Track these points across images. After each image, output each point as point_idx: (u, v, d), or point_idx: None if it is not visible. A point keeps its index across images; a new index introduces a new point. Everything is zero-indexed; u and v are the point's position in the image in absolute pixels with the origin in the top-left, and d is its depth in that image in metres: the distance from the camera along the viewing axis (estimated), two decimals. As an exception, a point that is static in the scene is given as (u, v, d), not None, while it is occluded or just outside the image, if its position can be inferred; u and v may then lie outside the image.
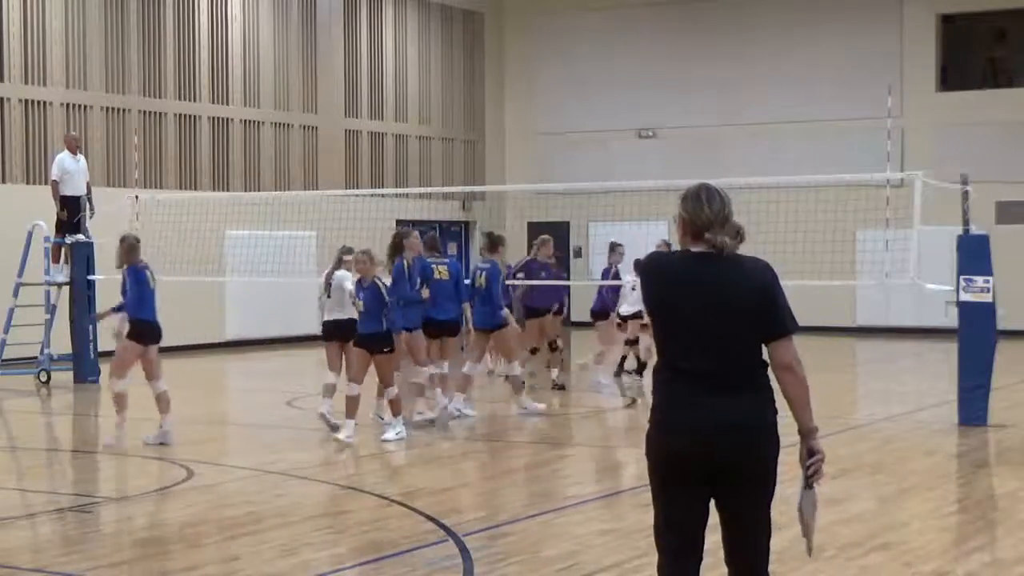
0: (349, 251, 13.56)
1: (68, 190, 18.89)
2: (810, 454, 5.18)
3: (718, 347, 4.99)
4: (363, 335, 12.80)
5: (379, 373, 12.91)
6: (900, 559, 7.90)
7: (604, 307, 18.30)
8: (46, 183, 20.67)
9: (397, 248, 14.16)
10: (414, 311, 13.99)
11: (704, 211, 5.07)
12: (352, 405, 12.67)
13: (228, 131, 25.50)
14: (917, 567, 7.71)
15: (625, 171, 28.26)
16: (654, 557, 7.88)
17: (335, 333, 13.50)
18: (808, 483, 5.20)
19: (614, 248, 18.24)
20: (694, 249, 5.07)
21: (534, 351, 17.69)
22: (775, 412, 5.08)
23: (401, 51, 29.58)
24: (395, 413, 13.03)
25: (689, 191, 5.19)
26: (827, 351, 23.15)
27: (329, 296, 13.62)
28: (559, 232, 29.58)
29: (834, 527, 8.78)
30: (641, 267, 5.26)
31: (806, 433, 5.16)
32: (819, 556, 7.95)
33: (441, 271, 14.36)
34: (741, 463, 5.07)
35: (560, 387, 17.25)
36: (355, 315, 12.99)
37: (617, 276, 17.71)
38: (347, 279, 13.23)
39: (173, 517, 9.31)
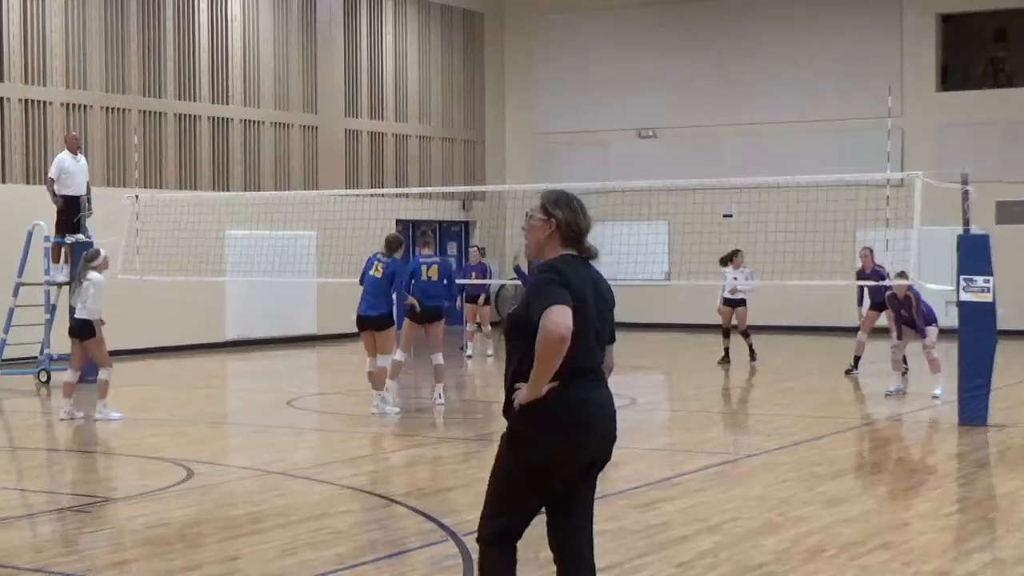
0: (94, 256, 14.63)
1: (68, 190, 18.86)
2: None
3: (600, 346, 5.37)
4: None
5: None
6: (900, 559, 7.90)
7: None
8: (46, 183, 20.67)
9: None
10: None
11: (581, 219, 5.36)
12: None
13: (228, 131, 25.50)
14: (917, 567, 7.70)
15: (625, 171, 28.26)
16: (654, 557, 7.93)
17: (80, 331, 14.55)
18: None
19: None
20: (566, 253, 5.32)
21: None
22: None
23: (401, 51, 29.58)
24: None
25: (558, 197, 5.40)
26: (827, 351, 23.15)
27: (79, 294, 14.60)
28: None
29: (834, 527, 8.78)
30: (558, 271, 5.25)
31: None
32: (819, 556, 7.95)
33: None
34: (611, 451, 5.49)
35: None
36: (87, 316, 14.35)
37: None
38: (101, 281, 14.44)
39: (173, 517, 9.31)
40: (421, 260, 15.23)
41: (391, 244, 15.14)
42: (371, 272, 14.95)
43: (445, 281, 15.26)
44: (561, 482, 5.34)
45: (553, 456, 5.26)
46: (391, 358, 14.99)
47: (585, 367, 5.27)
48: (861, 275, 18.86)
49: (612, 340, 5.49)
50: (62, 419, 14.43)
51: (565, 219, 5.33)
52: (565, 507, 5.42)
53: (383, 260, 14.95)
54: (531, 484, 5.33)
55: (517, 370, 5.28)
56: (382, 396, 14.87)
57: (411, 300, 15.00)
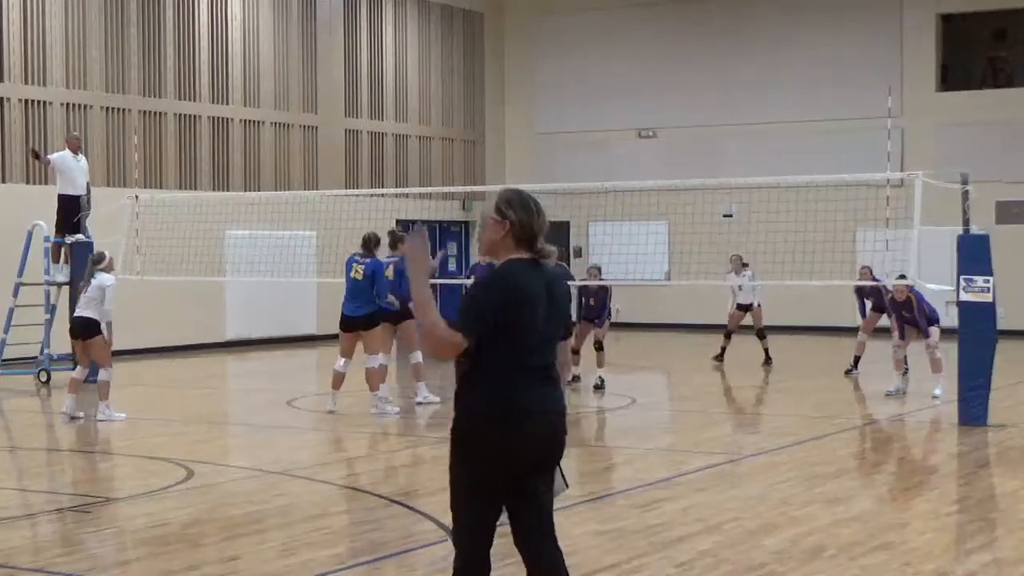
0: (100, 259, 14.63)
1: (68, 189, 18.87)
2: None
3: (550, 345, 5.44)
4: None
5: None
6: (900, 559, 7.90)
7: None
8: (46, 183, 20.68)
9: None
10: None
11: (535, 220, 5.40)
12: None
13: (228, 131, 25.50)
14: (917, 567, 7.70)
15: (625, 171, 28.24)
16: (654, 557, 7.92)
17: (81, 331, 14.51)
18: None
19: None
20: (523, 255, 5.38)
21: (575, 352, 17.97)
22: None
23: (401, 51, 29.57)
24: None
25: (512, 198, 5.45)
26: (827, 351, 23.15)
27: (85, 293, 14.50)
28: (559, 232, 29.62)
29: (834, 527, 8.78)
30: (499, 275, 5.37)
31: None
32: (819, 556, 7.95)
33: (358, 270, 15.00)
34: (563, 446, 5.50)
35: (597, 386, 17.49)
36: (93, 314, 14.32)
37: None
38: (113, 282, 14.46)
39: (173, 517, 9.31)
40: (385, 261, 15.22)
41: (367, 243, 15.10)
42: (351, 275, 14.94)
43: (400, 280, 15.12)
44: (505, 480, 5.33)
45: (493, 455, 5.29)
46: (378, 359, 15.00)
47: (528, 366, 5.33)
48: (861, 290, 18.90)
49: (566, 336, 5.57)
50: (63, 412, 14.45)
51: (519, 220, 5.37)
52: (522, 508, 5.42)
53: (361, 261, 14.93)
54: (476, 484, 5.34)
55: (466, 371, 5.34)
56: (380, 396, 14.89)
57: (392, 299, 15.02)
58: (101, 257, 14.77)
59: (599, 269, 18.28)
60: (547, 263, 5.46)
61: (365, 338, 14.89)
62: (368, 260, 14.91)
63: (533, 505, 5.43)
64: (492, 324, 5.23)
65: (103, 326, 14.35)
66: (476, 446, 5.31)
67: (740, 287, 20.78)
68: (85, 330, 14.38)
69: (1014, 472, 11.19)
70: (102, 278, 14.42)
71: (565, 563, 5.49)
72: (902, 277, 15.75)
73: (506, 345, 5.27)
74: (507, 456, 5.30)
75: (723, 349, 21.04)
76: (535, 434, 5.33)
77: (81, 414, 14.60)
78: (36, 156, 19.40)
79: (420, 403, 15.57)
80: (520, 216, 5.37)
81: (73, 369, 15.01)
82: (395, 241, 15.66)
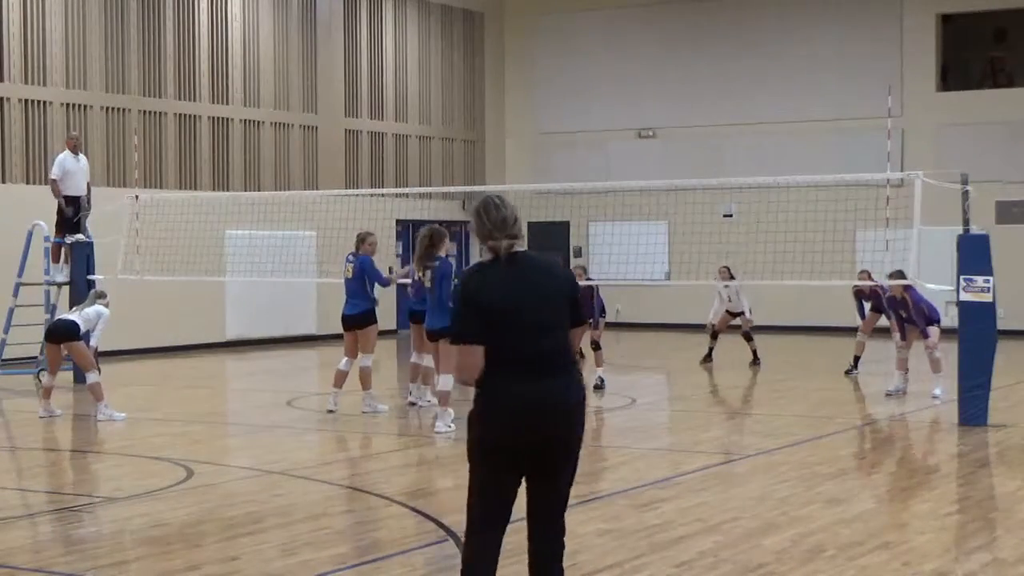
0: (103, 295, 15.03)
1: (69, 190, 18.87)
2: None
3: (544, 334, 5.63)
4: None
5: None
6: (900, 559, 7.90)
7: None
8: (46, 183, 20.66)
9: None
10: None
11: (491, 220, 5.68)
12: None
13: (228, 131, 25.50)
14: (917, 567, 7.70)
15: (625, 171, 28.26)
16: (654, 557, 7.93)
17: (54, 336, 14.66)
18: None
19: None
20: (486, 258, 5.71)
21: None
22: None
23: (401, 51, 29.58)
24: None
25: (473, 208, 5.82)
26: (827, 351, 23.15)
27: (81, 311, 14.82)
28: (559, 232, 29.64)
29: (834, 527, 8.78)
30: (466, 288, 5.65)
31: None
32: (819, 556, 7.96)
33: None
34: (564, 439, 5.85)
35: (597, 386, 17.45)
36: (79, 321, 14.51)
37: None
38: (108, 315, 14.90)
39: (173, 517, 9.30)
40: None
41: (356, 241, 15.17)
42: (344, 274, 15.03)
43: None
44: (498, 467, 5.60)
45: (481, 438, 5.61)
46: (372, 358, 14.95)
47: (510, 359, 5.55)
48: (860, 292, 18.90)
49: (578, 323, 5.77)
50: (41, 417, 14.58)
51: (476, 228, 5.73)
52: (531, 493, 5.73)
53: (351, 260, 14.99)
54: (476, 465, 5.66)
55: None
56: (373, 395, 14.89)
57: (393, 277, 15.03)
58: (104, 295, 15.17)
59: (584, 269, 18.41)
60: (523, 252, 5.69)
61: (360, 337, 14.88)
62: (358, 258, 14.95)
63: (534, 502, 5.73)
64: (482, 323, 5.54)
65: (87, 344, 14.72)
66: (471, 428, 5.68)
67: (729, 297, 20.79)
68: (65, 333, 14.50)
69: (1014, 472, 11.19)
70: (100, 308, 14.83)
71: (561, 554, 5.74)
72: (898, 273, 15.65)
73: (491, 340, 5.56)
74: (488, 441, 5.60)
75: (710, 350, 21.06)
76: (513, 424, 5.56)
77: (59, 412, 14.84)
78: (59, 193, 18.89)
79: (414, 404, 15.46)
80: (476, 225, 5.72)
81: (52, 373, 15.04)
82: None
